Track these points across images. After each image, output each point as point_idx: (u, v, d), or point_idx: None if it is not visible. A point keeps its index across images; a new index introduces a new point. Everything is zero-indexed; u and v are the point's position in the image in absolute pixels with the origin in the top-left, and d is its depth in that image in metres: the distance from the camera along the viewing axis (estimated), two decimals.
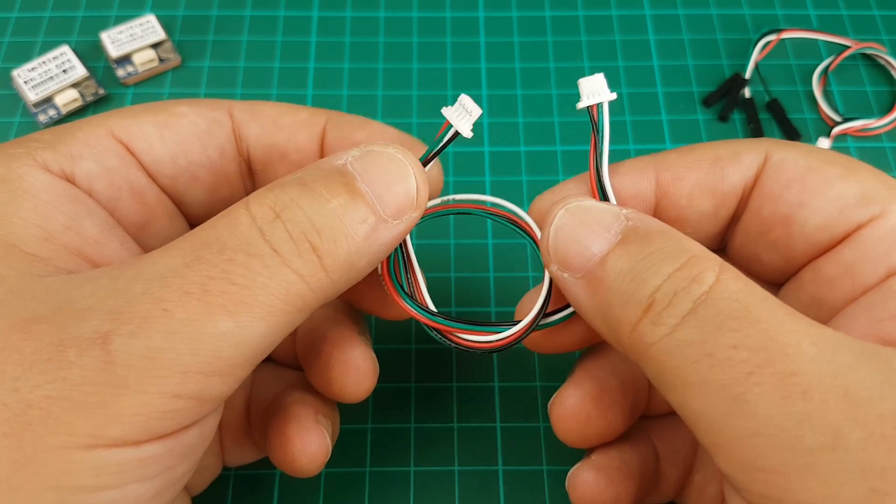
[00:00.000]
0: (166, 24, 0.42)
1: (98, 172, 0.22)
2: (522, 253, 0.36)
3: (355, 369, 0.25)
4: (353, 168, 0.21)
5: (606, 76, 0.22)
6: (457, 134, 0.22)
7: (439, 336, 0.23)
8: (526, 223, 0.24)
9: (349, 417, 0.32)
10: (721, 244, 0.25)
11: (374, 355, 0.26)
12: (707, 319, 0.18)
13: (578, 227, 0.21)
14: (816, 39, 0.43)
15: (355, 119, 0.26)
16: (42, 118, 0.39)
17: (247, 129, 0.25)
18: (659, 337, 0.19)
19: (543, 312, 0.23)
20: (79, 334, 0.17)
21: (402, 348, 0.34)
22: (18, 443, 0.17)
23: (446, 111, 0.22)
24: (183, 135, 0.24)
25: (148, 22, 0.41)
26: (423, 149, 0.23)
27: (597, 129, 0.22)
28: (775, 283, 0.24)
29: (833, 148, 0.39)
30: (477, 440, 0.32)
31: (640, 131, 0.39)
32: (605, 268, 0.20)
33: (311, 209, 0.20)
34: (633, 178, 0.23)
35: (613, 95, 0.22)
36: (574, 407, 0.23)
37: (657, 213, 0.23)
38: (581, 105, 0.22)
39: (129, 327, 0.17)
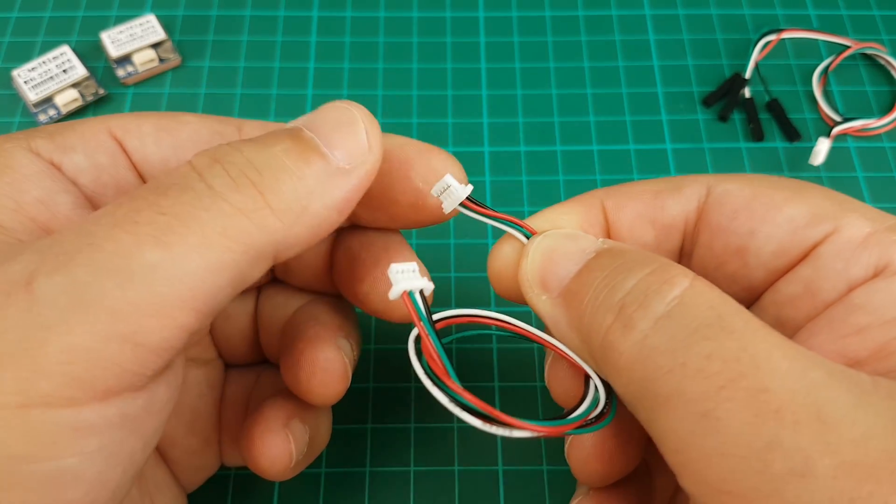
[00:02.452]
0: (166, 24, 0.42)
1: (85, 166, 0.22)
2: None
3: (322, 371, 0.24)
4: (301, 122, 0.21)
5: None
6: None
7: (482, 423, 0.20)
8: (529, 332, 0.22)
9: (349, 417, 0.32)
10: None
11: (346, 359, 0.25)
12: (681, 325, 0.17)
13: (556, 249, 0.21)
14: (816, 39, 0.43)
15: None
16: (42, 118, 0.39)
17: None
18: (631, 344, 0.18)
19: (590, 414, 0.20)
20: (6, 278, 0.17)
21: (403, 348, 0.34)
22: None
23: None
24: (181, 140, 0.23)
25: (148, 22, 0.41)
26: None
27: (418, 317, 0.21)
28: None
29: (833, 148, 0.39)
30: (477, 440, 0.32)
31: (640, 131, 0.39)
32: (579, 280, 0.20)
33: (251, 152, 0.19)
34: (584, 209, 0.23)
35: (431, 285, 0.21)
36: (595, 447, 0.22)
37: None
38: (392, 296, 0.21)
39: (52, 264, 0.17)
